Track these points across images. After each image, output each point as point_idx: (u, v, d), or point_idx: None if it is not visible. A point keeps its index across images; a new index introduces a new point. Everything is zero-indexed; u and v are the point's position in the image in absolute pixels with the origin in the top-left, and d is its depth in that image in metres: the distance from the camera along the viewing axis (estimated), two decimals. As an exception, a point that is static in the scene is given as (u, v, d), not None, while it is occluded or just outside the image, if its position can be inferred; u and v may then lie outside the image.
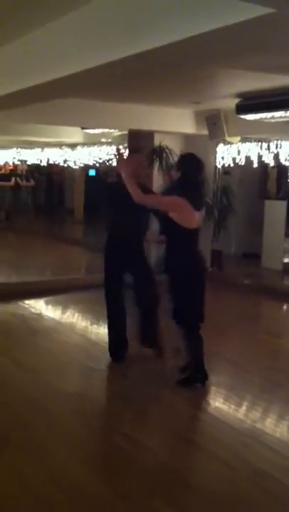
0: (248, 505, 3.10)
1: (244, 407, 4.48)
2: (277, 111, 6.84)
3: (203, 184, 4.92)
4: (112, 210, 5.22)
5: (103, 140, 11.70)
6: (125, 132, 9.94)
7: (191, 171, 4.56)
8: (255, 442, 3.78)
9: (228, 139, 8.68)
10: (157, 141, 9.26)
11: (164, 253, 4.64)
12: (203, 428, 4.12)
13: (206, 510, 3.01)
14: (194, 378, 4.63)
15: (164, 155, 9.23)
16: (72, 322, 6.94)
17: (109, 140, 11.64)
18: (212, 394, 4.68)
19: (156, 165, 9.25)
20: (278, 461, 3.55)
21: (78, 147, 13.30)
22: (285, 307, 8.16)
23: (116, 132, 10.49)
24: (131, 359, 5.52)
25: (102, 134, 10.77)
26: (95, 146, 12.54)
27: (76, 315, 7.27)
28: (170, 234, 4.55)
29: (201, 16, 3.39)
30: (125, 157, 5.17)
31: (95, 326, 6.72)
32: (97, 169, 15.52)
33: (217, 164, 9.35)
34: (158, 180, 9.32)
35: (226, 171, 9.81)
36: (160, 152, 9.21)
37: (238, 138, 8.80)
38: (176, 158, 9.10)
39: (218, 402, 4.56)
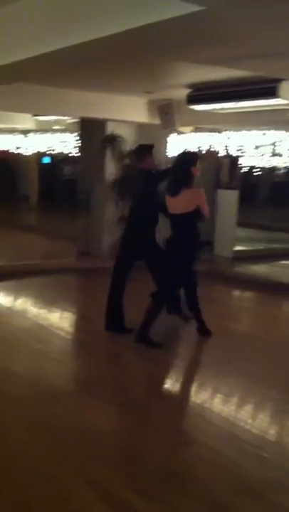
0: (183, 471, 3.27)
1: (186, 382, 4.69)
2: (227, 102, 7.02)
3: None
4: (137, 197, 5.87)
5: (56, 127, 11.67)
6: (78, 120, 9.95)
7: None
8: (194, 414, 3.99)
9: (180, 128, 8.83)
10: (110, 129, 9.32)
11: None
12: (147, 401, 4.28)
13: (148, 480, 3.16)
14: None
15: (116, 143, 9.31)
16: (24, 307, 7.00)
17: (63, 127, 11.61)
18: (157, 369, 4.87)
19: (108, 153, 9.33)
20: (212, 431, 3.78)
21: (31, 134, 13.20)
22: (234, 292, 8.42)
23: (69, 119, 10.48)
24: (83, 343, 5.67)
25: (55, 121, 10.74)
26: (48, 133, 12.48)
27: (28, 300, 7.31)
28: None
29: (144, 8, 3.53)
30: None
31: (46, 310, 6.81)
32: (52, 156, 15.44)
33: (169, 153, 9.48)
34: (110, 169, 9.43)
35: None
36: (112, 140, 9.28)
37: (190, 128, 8.96)
38: (127, 147, 9.26)
39: (161, 375, 4.74)
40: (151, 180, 5.79)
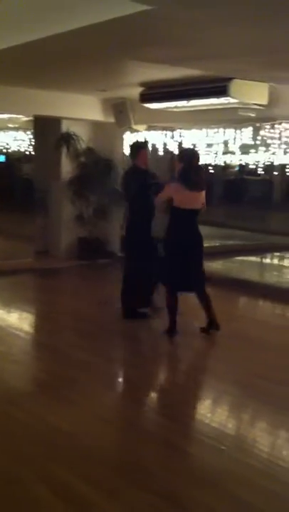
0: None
1: (142, 379, 4.75)
2: (179, 100, 7.10)
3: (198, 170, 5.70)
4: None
5: (10, 125, 11.54)
6: (32, 118, 9.88)
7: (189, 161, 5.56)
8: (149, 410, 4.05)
9: (134, 126, 8.87)
10: (65, 127, 9.29)
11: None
12: (104, 400, 4.31)
13: (104, 476, 3.20)
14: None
15: (72, 142, 9.30)
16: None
17: (17, 125, 11.49)
18: (115, 368, 4.91)
19: (64, 151, 9.31)
20: (169, 426, 3.85)
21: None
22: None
23: (23, 118, 10.39)
24: (43, 343, 5.67)
25: (9, 119, 10.62)
26: (2, 132, 12.32)
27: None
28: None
29: (95, 7, 3.56)
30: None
31: (4, 311, 6.77)
32: (6, 155, 15.23)
33: (125, 152, 9.52)
34: (66, 167, 9.41)
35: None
36: (68, 139, 9.26)
37: (144, 126, 9.01)
38: (83, 145, 9.26)
39: (116, 373, 4.79)
40: (146, 178, 6.15)
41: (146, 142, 6.59)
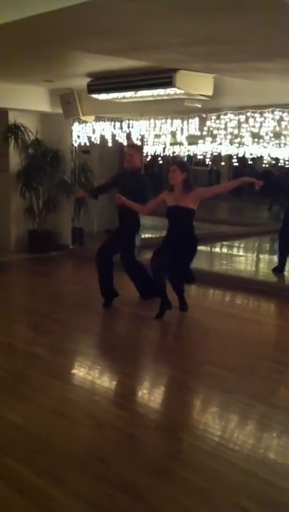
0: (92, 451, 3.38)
1: (94, 370, 4.81)
2: (126, 91, 7.10)
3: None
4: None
5: None
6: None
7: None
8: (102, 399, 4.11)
9: (82, 117, 8.83)
10: (12, 118, 9.16)
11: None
12: (60, 393, 4.32)
13: (61, 469, 3.22)
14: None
15: (20, 133, 9.18)
16: None
17: None
18: (70, 361, 4.93)
19: (12, 143, 9.18)
20: (120, 414, 3.93)
21: None
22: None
23: None
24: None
25: None
26: None
27: None
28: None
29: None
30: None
31: None
32: None
33: (74, 143, 9.47)
34: (14, 159, 9.28)
35: (85, 149, 9.98)
36: (15, 130, 9.13)
37: (93, 117, 8.98)
38: (31, 136, 9.16)
39: (69, 365, 4.84)
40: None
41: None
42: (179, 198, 5.93)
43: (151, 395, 4.35)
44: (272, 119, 7.07)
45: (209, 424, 3.83)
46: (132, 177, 6.50)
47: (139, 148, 7.42)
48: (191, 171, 7.21)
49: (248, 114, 7.23)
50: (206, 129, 7.71)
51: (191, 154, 9.02)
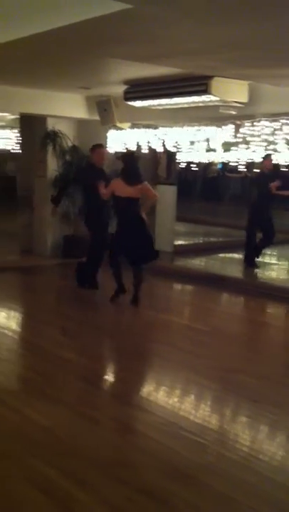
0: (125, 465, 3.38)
1: (122, 375, 4.82)
2: (162, 98, 7.14)
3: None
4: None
5: (-3, 123, 11.54)
6: (18, 116, 9.87)
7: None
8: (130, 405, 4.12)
9: (118, 124, 8.90)
10: (50, 125, 9.30)
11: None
12: (87, 396, 4.36)
13: (85, 471, 3.24)
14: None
15: (58, 139, 9.31)
16: None
17: (3, 123, 11.48)
18: (96, 364, 4.96)
19: (50, 149, 9.32)
20: (151, 421, 3.90)
21: None
22: (174, 286, 8.59)
23: (9, 116, 10.38)
24: (29, 341, 5.70)
25: (-4, 118, 10.63)
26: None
27: None
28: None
29: (75, 6, 3.60)
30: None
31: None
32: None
33: (109, 149, 9.55)
34: (52, 165, 9.42)
35: (119, 156, 10.04)
36: (53, 136, 9.27)
37: (128, 124, 9.05)
38: (69, 143, 9.29)
39: (99, 369, 4.86)
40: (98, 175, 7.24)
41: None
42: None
43: (178, 401, 4.33)
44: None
45: (238, 433, 3.80)
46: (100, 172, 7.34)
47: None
48: (221, 177, 7.88)
49: (283, 121, 7.17)
50: (240, 135, 7.67)
51: (225, 161, 8.97)
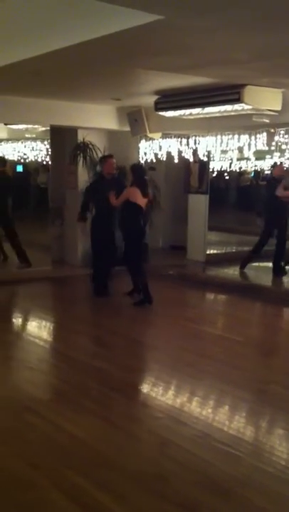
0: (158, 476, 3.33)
1: (157, 386, 4.76)
2: (193, 108, 7.13)
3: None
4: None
5: (27, 135, 11.67)
6: (48, 128, 9.97)
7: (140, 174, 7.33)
8: (165, 416, 4.06)
9: (149, 135, 8.92)
10: (80, 136, 9.37)
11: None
12: (122, 407, 4.32)
13: (120, 483, 3.21)
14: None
15: (88, 151, 9.36)
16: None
17: (34, 136, 11.61)
18: (131, 376, 4.92)
19: (81, 161, 9.38)
20: (185, 432, 3.84)
21: (2, 143, 13.17)
22: (206, 295, 8.52)
23: (40, 128, 10.50)
24: (60, 351, 5.68)
25: (26, 130, 10.74)
26: (20, 142, 12.46)
27: (3, 309, 7.31)
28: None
29: (106, 18, 3.61)
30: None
31: (22, 319, 6.81)
32: (24, 165, 15.38)
33: (140, 159, 9.57)
34: (83, 176, 9.48)
35: (151, 166, 10.06)
36: (84, 148, 9.33)
37: (160, 134, 9.06)
38: (99, 154, 9.33)
39: (133, 380, 4.82)
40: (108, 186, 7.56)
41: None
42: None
43: (215, 414, 4.25)
44: None
45: (275, 446, 3.71)
46: (111, 181, 7.66)
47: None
48: (254, 186, 7.86)
49: None
50: (274, 143, 7.60)
51: (258, 169, 8.91)
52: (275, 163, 8.71)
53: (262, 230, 9.11)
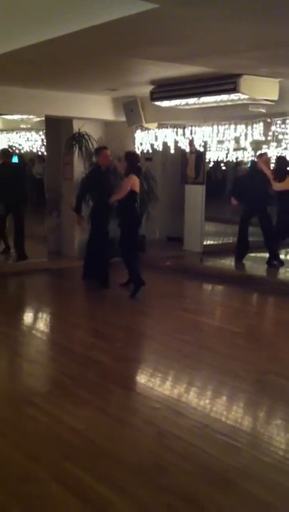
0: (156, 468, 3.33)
1: (155, 377, 4.76)
2: (189, 98, 7.08)
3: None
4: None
5: (22, 126, 11.60)
6: (43, 118, 9.91)
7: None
8: (163, 407, 4.07)
9: (145, 125, 8.87)
10: (76, 127, 9.31)
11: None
12: (119, 399, 4.33)
13: (120, 475, 3.21)
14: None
15: (84, 141, 9.31)
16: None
17: (29, 126, 11.54)
18: (128, 368, 4.92)
19: (76, 151, 9.32)
20: (184, 423, 3.85)
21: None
22: (202, 286, 8.52)
23: (35, 118, 10.43)
24: (59, 343, 5.67)
25: (21, 120, 10.68)
26: (14, 132, 12.38)
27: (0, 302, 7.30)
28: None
29: (100, 7, 3.57)
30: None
31: (20, 311, 6.80)
32: (19, 156, 15.29)
33: (136, 150, 9.52)
34: (79, 167, 9.43)
35: (147, 157, 10.02)
36: (79, 138, 9.28)
37: (156, 124, 9.01)
38: (95, 144, 9.28)
39: (130, 372, 4.82)
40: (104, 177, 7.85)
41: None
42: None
43: (213, 404, 4.26)
44: None
45: (273, 437, 3.72)
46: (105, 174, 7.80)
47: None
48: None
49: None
50: (270, 134, 7.57)
51: (255, 160, 8.87)
52: (261, 153, 8.51)
53: (240, 220, 9.13)
